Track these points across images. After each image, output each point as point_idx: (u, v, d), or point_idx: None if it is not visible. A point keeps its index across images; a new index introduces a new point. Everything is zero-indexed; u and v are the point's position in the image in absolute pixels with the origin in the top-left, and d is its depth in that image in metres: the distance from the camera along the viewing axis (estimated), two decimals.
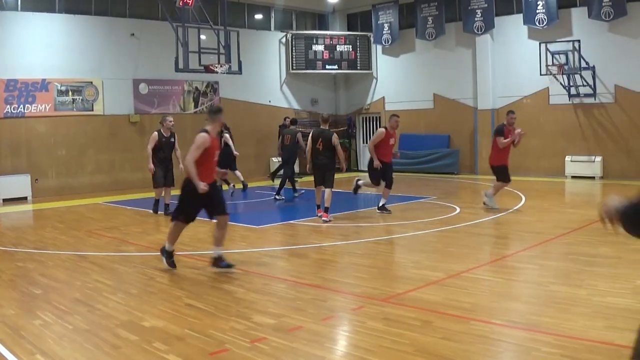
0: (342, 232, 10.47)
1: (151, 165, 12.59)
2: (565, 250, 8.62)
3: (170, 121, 12.81)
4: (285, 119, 18.34)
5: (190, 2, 15.10)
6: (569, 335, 5.02)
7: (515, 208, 12.68)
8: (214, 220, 7.84)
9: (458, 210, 12.60)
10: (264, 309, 6.18)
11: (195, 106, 20.81)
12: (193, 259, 8.65)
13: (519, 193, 14.89)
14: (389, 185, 12.47)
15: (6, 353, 4.99)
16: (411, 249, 9.35)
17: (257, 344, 5.09)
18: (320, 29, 24.79)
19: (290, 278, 7.57)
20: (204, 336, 5.32)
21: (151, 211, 13.26)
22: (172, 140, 12.82)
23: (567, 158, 18.99)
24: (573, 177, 18.61)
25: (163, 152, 12.72)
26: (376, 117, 24.41)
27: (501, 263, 7.94)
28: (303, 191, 15.68)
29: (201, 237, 10.42)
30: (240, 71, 16.78)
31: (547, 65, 18.24)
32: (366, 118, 25.06)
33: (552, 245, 9.00)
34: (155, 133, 12.79)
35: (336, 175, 11.96)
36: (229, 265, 7.79)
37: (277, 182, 16.28)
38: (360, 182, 12.99)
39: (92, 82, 18.36)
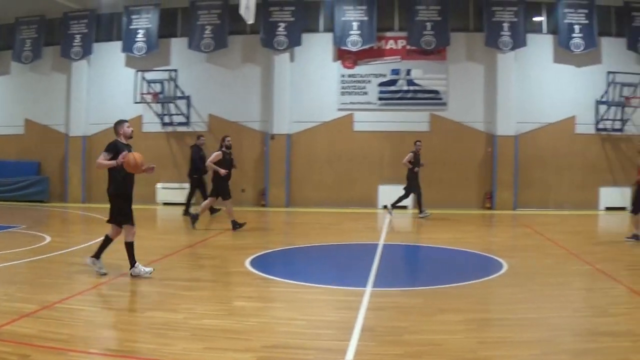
0: None
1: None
2: (159, 276, 8.61)
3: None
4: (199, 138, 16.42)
5: None
6: None
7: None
8: None
9: (49, 239, 11.96)
10: None
11: None
12: None
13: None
14: None
15: None
16: (1, 281, 8.51)
17: None
18: None
19: None
20: None
21: None
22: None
23: (159, 185, 19.11)
24: (165, 204, 18.98)
25: None
26: None
27: (95, 292, 7.71)
28: None
29: None
30: None
31: (142, 94, 18.69)
32: None
33: None
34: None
35: None
36: None
37: None
38: None
39: None
